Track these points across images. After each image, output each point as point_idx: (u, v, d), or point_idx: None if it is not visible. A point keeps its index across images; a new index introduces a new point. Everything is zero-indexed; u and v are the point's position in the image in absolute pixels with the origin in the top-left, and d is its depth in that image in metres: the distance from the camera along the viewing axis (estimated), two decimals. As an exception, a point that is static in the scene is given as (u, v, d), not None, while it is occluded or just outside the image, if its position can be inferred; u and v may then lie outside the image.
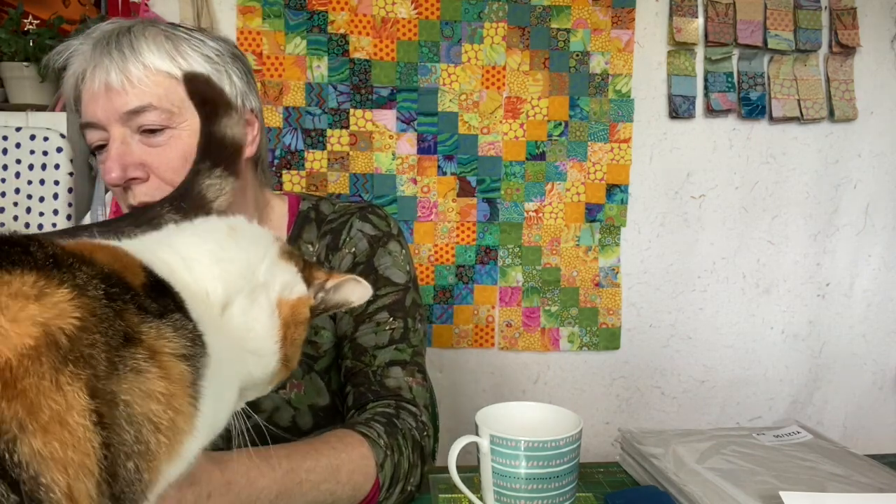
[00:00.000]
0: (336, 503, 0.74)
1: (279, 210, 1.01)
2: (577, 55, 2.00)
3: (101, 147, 0.85)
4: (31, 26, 1.79)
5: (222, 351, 0.45)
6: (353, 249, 0.97)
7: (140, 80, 0.81)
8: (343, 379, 0.95)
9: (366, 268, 0.96)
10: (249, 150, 0.93)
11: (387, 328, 0.94)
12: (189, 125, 0.84)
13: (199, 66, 0.85)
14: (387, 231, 1.00)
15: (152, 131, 0.82)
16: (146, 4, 1.77)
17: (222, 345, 0.45)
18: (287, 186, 1.92)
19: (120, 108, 0.81)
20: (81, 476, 0.34)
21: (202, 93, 0.63)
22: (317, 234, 0.99)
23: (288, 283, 0.56)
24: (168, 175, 0.83)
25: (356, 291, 0.62)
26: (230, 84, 0.88)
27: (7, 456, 0.31)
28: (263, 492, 0.65)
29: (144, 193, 0.83)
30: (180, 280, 0.46)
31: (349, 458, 0.75)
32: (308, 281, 0.58)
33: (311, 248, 0.98)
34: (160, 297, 0.42)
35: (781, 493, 0.76)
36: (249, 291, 0.52)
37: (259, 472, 0.65)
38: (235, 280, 0.51)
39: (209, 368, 0.42)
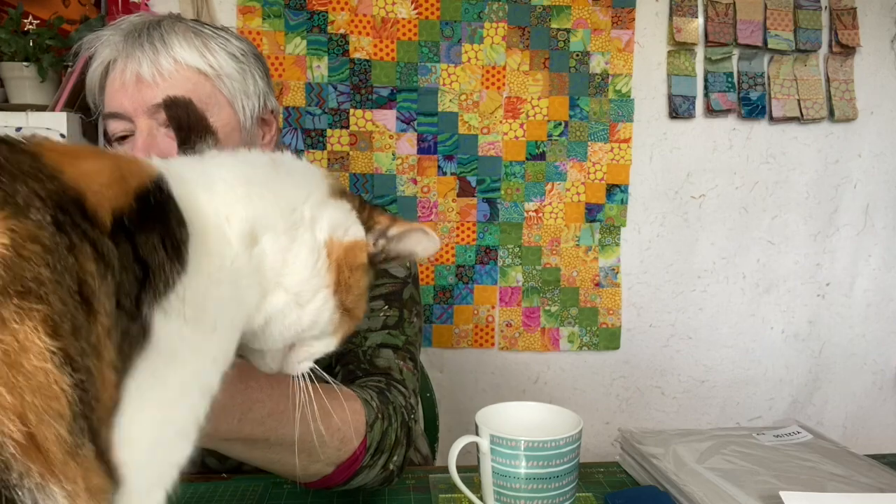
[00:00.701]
0: (321, 449, 0.70)
1: None
2: (577, 55, 2.00)
3: (123, 138, 0.85)
4: (31, 26, 1.79)
5: (214, 288, 0.40)
6: None
7: (171, 74, 0.82)
8: (333, 362, 0.94)
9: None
10: (267, 150, 0.94)
11: (381, 314, 0.93)
12: (216, 121, 0.85)
13: (226, 63, 0.86)
14: None
15: None
16: (146, 4, 1.77)
17: (221, 280, 0.41)
18: (287, 186, 1.92)
19: (149, 100, 0.82)
20: (49, 420, 0.30)
21: (179, 118, 0.60)
22: None
23: (340, 222, 0.51)
24: None
25: (422, 242, 0.56)
26: (254, 83, 0.90)
27: None
28: (257, 404, 0.64)
29: None
30: (192, 200, 0.41)
31: (341, 407, 0.72)
32: (367, 225, 0.54)
33: None
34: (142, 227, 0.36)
35: (781, 493, 0.76)
36: (288, 227, 0.47)
37: (258, 384, 0.64)
38: (267, 212, 0.46)
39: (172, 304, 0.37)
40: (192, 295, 0.38)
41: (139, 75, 0.82)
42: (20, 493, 0.29)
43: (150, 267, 0.36)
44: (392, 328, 0.94)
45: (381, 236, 0.54)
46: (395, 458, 0.82)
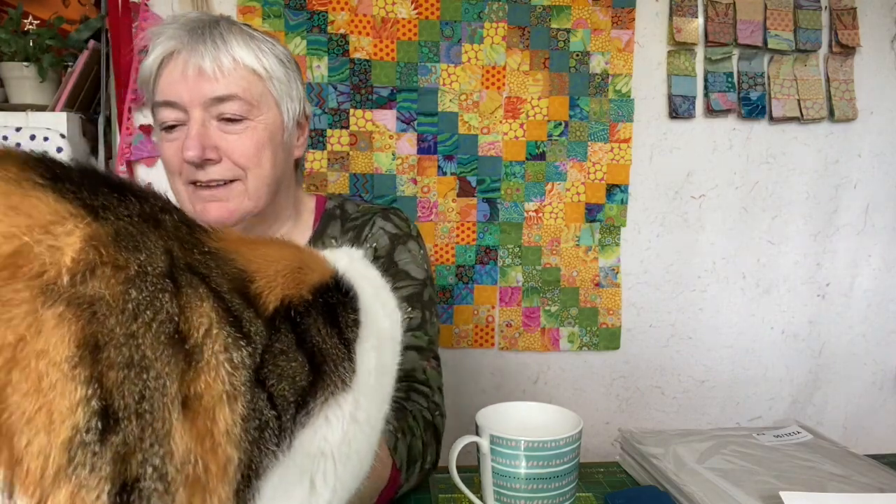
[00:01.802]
0: (361, 496, 0.71)
1: (308, 207, 1.07)
2: (577, 55, 2.00)
3: (171, 127, 0.89)
4: (31, 26, 1.79)
5: None
6: (375, 244, 1.02)
7: (230, 71, 0.87)
8: None
9: (386, 261, 1.01)
10: (299, 152, 1.02)
11: (404, 317, 0.96)
12: (264, 119, 0.91)
13: (276, 66, 0.92)
14: (407, 232, 1.05)
15: (231, 120, 0.88)
16: (146, 4, 1.77)
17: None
18: (287, 186, 1.92)
19: (208, 93, 0.86)
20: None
21: None
22: (340, 230, 1.04)
23: None
24: (242, 161, 0.89)
25: None
26: (296, 88, 0.96)
27: None
28: None
29: (217, 173, 0.89)
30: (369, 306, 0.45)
31: None
32: None
33: (335, 243, 1.02)
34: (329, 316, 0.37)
35: (781, 493, 0.76)
36: None
37: None
38: None
39: None
40: (365, 400, 0.38)
41: (201, 68, 0.86)
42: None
43: (318, 360, 0.35)
44: (416, 330, 0.97)
45: None
46: (428, 458, 0.86)
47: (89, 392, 0.27)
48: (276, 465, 0.33)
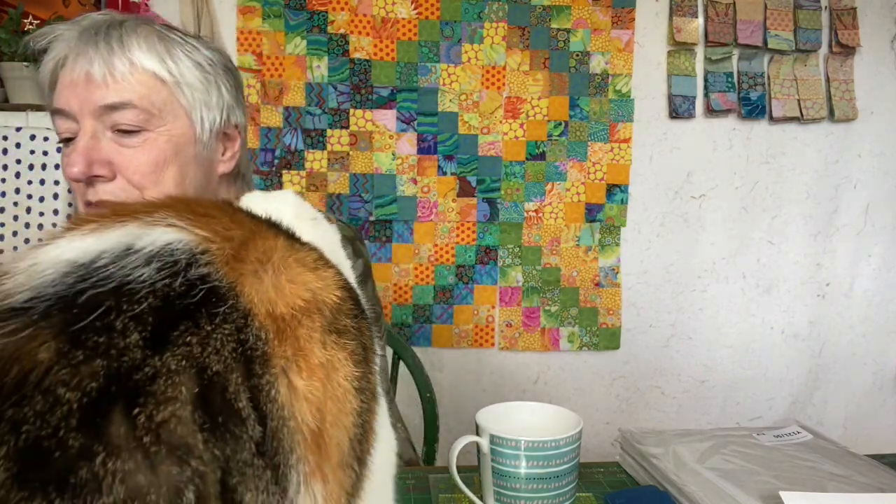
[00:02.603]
0: None
1: None
2: (577, 55, 2.00)
3: (69, 140, 0.80)
4: (31, 26, 1.79)
5: None
6: None
7: (123, 76, 0.78)
8: None
9: None
10: (226, 167, 0.90)
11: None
12: (167, 130, 0.81)
13: (189, 71, 0.82)
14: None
15: (127, 132, 0.79)
16: (146, 4, 1.77)
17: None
18: (287, 186, 1.92)
19: (97, 101, 0.77)
20: (339, 426, 0.37)
21: None
22: None
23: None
24: (136, 178, 0.79)
25: None
26: (218, 95, 0.85)
27: (265, 390, 0.33)
28: None
29: (109, 192, 0.79)
30: None
31: None
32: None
33: None
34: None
35: (781, 493, 0.76)
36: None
37: None
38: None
39: None
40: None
41: (89, 74, 0.77)
42: (290, 475, 0.34)
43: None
44: None
45: None
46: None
47: (356, 402, 0.39)
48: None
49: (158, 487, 0.28)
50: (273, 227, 0.42)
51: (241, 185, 0.97)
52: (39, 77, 0.83)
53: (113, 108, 0.78)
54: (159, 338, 0.31)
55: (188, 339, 0.32)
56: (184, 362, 0.31)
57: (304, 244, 0.42)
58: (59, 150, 1.68)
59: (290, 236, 0.42)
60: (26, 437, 0.26)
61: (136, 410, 0.29)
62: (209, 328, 0.33)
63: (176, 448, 0.29)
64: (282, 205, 0.49)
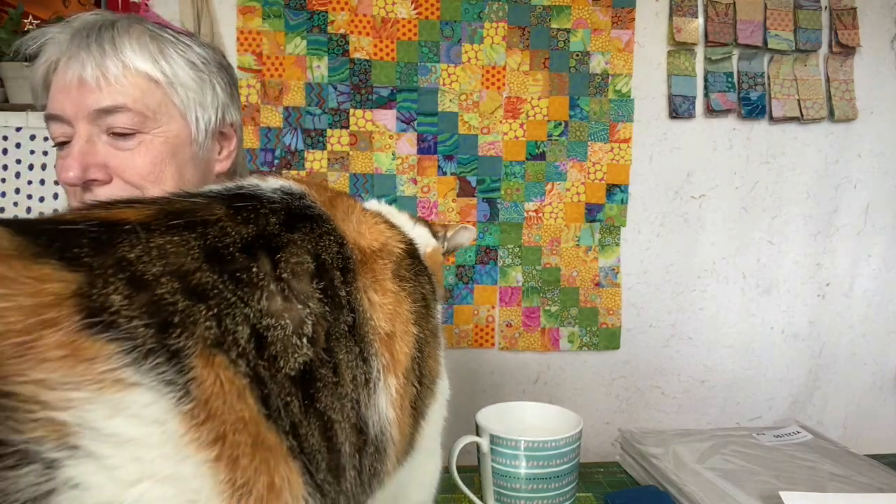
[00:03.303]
0: None
1: None
2: (577, 55, 2.00)
3: (64, 144, 0.80)
4: (31, 26, 1.79)
5: None
6: None
7: (117, 79, 0.77)
8: None
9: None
10: (222, 166, 0.90)
11: None
12: (163, 132, 0.80)
13: (182, 71, 0.81)
14: None
15: (122, 135, 0.78)
16: (146, 4, 1.77)
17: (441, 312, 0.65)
18: (287, 186, 1.92)
19: (91, 105, 0.77)
20: (404, 342, 0.49)
21: None
22: None
23: (426, 239, 0.74)
24: (135, 179, 0.79)
25: (465, 235, 0.81)
26: (212, 95, 0.85)
27: (354, 293, 0.45)
28: None
29: (105, 195, 0.77)
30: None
31: None
32: (434, 234, 0.77)
33: None
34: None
35: (781, 493, 0.76)
36: None
37: None
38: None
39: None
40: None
41: (81, 78, 0.76)
42: (372, 362, 0.45)
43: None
44: None
45: (443, 239, 0.78)
46: None
47: (416, 330, 0.52)
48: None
49: (290, 313, 0.40)
50: (350, 196, 0.53)
51: None
52: (32, 81, 0.82)
53: (107, 111, 0.77)
54: (289, 225, 0.44)
55: (307, 233, 0.44)
56: (307, 244, 0.44)
57: (374, 212, 0.54)
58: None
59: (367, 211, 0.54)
60: (209, 242, 0.39)
61: (277, 256, 0.41)
62: (320, 232, 0.45)
63: (300, 293, 0.41)
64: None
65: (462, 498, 0.84)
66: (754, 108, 2.07)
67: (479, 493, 0.82)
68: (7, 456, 0.29)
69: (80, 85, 0.77)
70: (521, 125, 2.00)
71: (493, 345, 2.04)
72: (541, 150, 2.01)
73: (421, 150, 1.97)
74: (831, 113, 2.10)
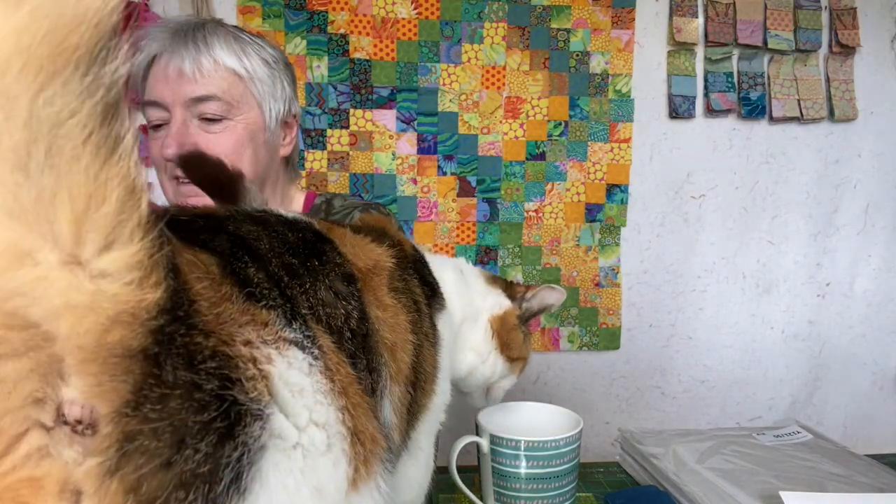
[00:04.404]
0: None
1: (297, 203, 1.11)
2: (577, 55, 2.00)
3: (158, 126, 0.94)
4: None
5: (447, 341, 0.65)
6: None
7: (209, 73, 0.91)
8: None
9: None
10: (285, 151, 1.05)
11: None
12: (244, 119, 0.94)
13: (259, 68, 0.95)
14: None
15: (211, 120, 0.92)
16: (146, 4, 1.77)
17: (448, 339, 0.65)
18: (287, 186, 1.92)
19: (188, 93, 0.90)
20: (403, 350, 0.52)
21: (202, 175, 0.71)
22: None
23: (496, 302, 0.78)
24: None
25: (552, 296, 0.84)
26: (281, 89, 0.98)
27: (364, 308, 0.48)
28: None
29: None
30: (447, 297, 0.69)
31: None
32: (511, 296, 0.80)
33: None
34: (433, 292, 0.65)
35: (781, 493, 0.76)
36: (471, 316, 0.75)
37: None
38: (465, 308, 0.73)
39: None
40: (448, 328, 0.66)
41: (181, 70, 0.90)
42: (381, 371, 0.48)
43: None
44: None
45: (522, 300, 0.81)
46: None
47: (413, 338, 0.54)
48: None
49: (340, 306, 0.46)
50: (342, 226, 0.56)
51: (292, 169, 1.11)
52: (132, 70, 0.95)
53: (201, 100, 0.91)
54: (319, 239, 0.50)
55: (330, 249, 0.50)
56: (334, 256, 0.49)
57: (363, 229, 0.58)
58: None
59: (355, 230, 0.58)
60: (279, 236, 0.46)
61: (323, 258, 0.47)
62: (336, 251, 0.50)
63: (341, 291, 0.46)
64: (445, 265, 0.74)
65: (462, 498, 0.84)
66: (754, 108, 2.06)
67: (479, 493, 0.82)
68: (242, 416, 0.34)
69: (179, 76, 0.90)
70: (521, 125, 2.00)
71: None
72: (541, 150, 2.01)
73: (421, 150, 1.97)
74: (831, 113, 2.09)
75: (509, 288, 0.81)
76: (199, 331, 0.34)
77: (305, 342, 0.40)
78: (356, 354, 0.45)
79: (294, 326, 0.39)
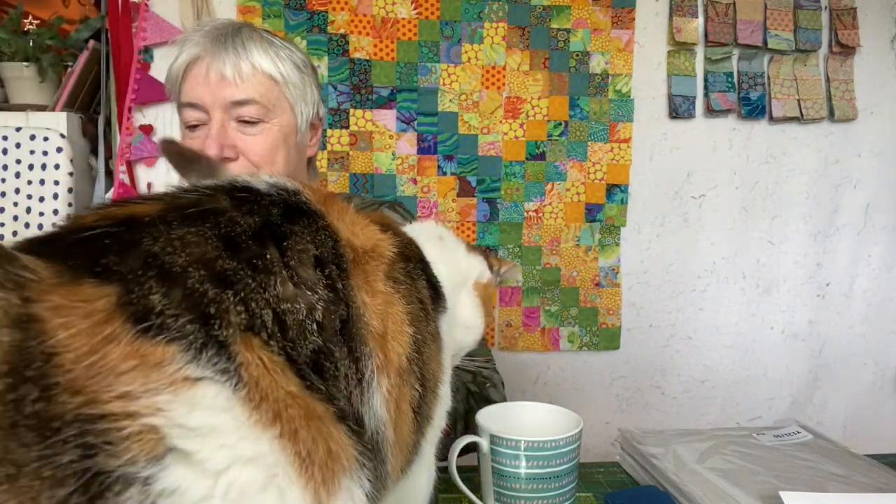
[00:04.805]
0: None
1: None
2: (577, 55, 2.00)
3: (194, 127, 0.97)
4: (31, 26, 1.79)
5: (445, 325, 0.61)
6: None
7: (248, 77, 0.94)
8: None
9: None
10: (312, 151, 1.10)
11: None
12: (279, 122, 0.98)
13: (292, 72, 0.98)
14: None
15: (249, 122, 0.95)
16: (146, 4, 1.77)
17: (446, 322, 0.61)
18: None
19: (228, 97, 0.94)
20: (397, 341, 0.48)
21: (175, 153, 0.71)
22: None
23: (480, 271, 0.75)
24: (255, 159, 0.96)
25: (516, 275, 0.91)
26: (311, 92, 1.02)
27: (348, 290, 0.45)
28: None
29: (234, 170, 0.93)
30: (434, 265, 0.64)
31: None
32: (490, 267, 0.78)
33: None
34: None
35: (781, 493, 0.76)
36: (460, 284, 0.71)
37: None
38: (454, 277, 0.68)
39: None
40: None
41: (223, 74, 0.93)
42: (365, 363, 0.45)
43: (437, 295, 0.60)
44: None
45: (497, 274, 0.80)
46: (470, 418, 0.91)
47: (411, 330, 0.50)
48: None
49: (302, 298, 0.41)
50: (343, 199, 0.54)
51: (312, 169, 1.16)
52: (170, 72, 0.98)
53: (240, 103, 0.94)
54: (289, 217, 0.44)
55: (305, 226, 0.45)
56: (306, 236, 0.44)
57: (369, 216, 0.55)
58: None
59: (359, 211, 0.54)
60: (223, 231, 0.40)
61: (284, 244, 0.42)
62: (316, 226, 0.45)
63: (307, 280, 0.42)
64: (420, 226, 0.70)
65: (462, 498, 0.84)
66: (754, 108, 2.07)
67: (479, 493, 0.82)
68: (110, 485, 0.30)
69: (221, 80, 0.93)
70: (521, 125, 2.00)
71: (493, 345, 2.04)
72: (541, 150, 2.01)
73: (421, 150, 1.97)
74: (831, 113, 2.10)
75: (487, 258, 0.79)
76: (60, 391, 0.30)
77: (219, 375, 0.35)
78: (326, 347, 0.41)
79: (204, 358, 0.34)
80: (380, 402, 0.46)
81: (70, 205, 1.69)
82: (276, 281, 0.40)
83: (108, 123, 1.83)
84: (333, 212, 0.49)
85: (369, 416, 0.44)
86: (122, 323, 0.33)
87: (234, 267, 0.38)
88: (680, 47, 2.03)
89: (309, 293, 0.42)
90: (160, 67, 1.77)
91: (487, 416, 0.83)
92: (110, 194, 1.75)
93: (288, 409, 0.37)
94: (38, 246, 0.35)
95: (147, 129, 1.79)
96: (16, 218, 1.68)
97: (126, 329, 0.33)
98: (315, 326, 0.41)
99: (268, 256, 0.40)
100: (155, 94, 1.76)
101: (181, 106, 0.98)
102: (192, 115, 0.96)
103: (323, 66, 1.90)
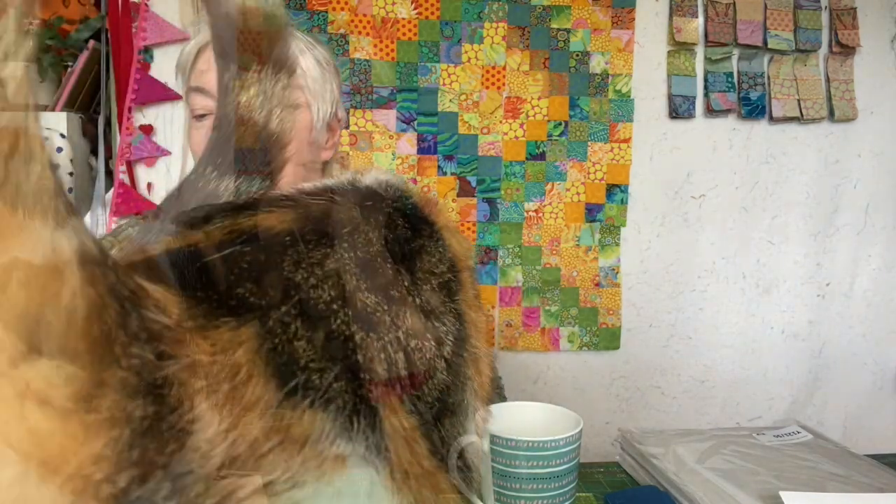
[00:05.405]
0: None
1: None
2: (577, 55, 2.00)
3: (201, 115, 0.92)
4: (31, 26, 1.78)
5: None
6: None
7: None
8: None
9: None
10: (327, 154, 1.04)
11: None
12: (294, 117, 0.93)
13: (312, 67, 0.94)
14: None
15: None
16: (146, 4, 1.77)
17: None
18: (287, 186, 1.92)
19: None
20: (487, 363, 0.44)
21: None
22: None
23: None
24: None
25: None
26: (330, 90, 0.98)
27: (462, 308, 0.40)
28: None
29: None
30: None
31: None
32: None
33: None
34: None
35: (781, 493, 0.76)
36: None
37: None
38: None
39: None
40: None
41: None
42: (464, 391, 0.39)
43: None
44: None
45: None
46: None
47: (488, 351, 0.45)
48: None
49: (431, 331, 0.36)
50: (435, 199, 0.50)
51: (328, 172, 1.10)
52: (181, 56, 0.94)
53: None
54: (414, 230, 0.40)
55: (428, 238, 0.40)
56: (434, 254, 0.40)
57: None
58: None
59: None
60: (360, 253, 0.34)
61: (415, 265, 0.38)
62: (436, 239, 0.41)
63: (435, 307, 0.38)
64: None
65: (462, 498, 0.84)
66: (754, 108, 2.06)
67: (479, 493, 0.82)
68: None
69: None
70: (521, 125, 2.00)
71: (493, 345, 2.04)
72: (541, 150, 2.01)
73: (421, 150, 1.97)
74: (831, 113, 2.09)
75: None
76: (191, 484, 0.22)
77: (368, 452, 0.27)
78: (450, 386, 0.36)
79: (354, 428, 0.27)
80: (473, 432, 0.41)
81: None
82: (406, 312, 0.34)
83: (108, 123, 1.83)
84: (439, 217, 0.43)
85: (471, 451, 0.40)
86: (264, 382, 0.25)
87: (374, 302, 0.32)
88: (680, 47, 2.03)
89: (437, 324, 0.36)
90: (160, 67, 1.77)
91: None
92: (110, 194, 1.75)
93: (423, 491, 0.31)
94: (160, 266, 0.29)
95: (147, 129, 1.79)
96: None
97: (269, 390, 0.25)
98: (444, 364, 0.35)
99: (401, 282, 0.35)
100: (155, 94, 1.76)
101: (189, 91, 0.94)
102: (200, 103, 0.93)
103: (323, 66, 1.90)
